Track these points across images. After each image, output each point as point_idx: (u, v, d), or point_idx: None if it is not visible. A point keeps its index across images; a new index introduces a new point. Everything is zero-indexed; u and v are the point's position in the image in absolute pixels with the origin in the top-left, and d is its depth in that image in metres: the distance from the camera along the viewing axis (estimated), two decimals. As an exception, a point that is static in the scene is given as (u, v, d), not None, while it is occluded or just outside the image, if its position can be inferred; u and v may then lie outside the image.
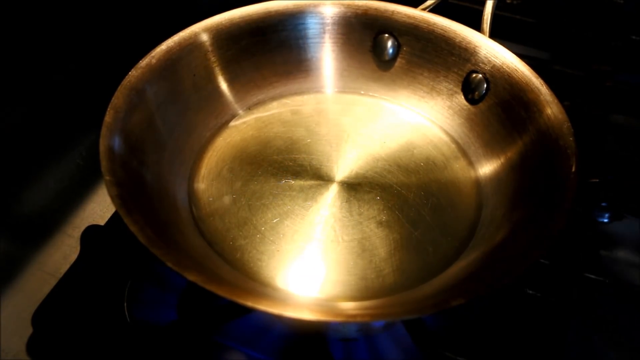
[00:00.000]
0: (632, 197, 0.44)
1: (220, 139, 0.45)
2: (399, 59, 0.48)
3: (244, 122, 0.46)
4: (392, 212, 0.40)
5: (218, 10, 0.45)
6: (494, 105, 0.43)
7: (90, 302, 0.38)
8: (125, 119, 0.37)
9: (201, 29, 0.44)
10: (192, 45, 0.43)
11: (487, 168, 0.42)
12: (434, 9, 0.48)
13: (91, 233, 0.42)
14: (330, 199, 0.40)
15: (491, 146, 0.43)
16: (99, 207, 0.48)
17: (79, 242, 0.41)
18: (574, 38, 0.60)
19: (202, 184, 0.41)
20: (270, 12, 0.47)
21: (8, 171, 0.43)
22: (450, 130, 0.46)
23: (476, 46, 0.44)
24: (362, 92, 0.49)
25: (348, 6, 0.47)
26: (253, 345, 0.37)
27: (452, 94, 0.46)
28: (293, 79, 0.49)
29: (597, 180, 0.44)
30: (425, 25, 0.46)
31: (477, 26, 0.45)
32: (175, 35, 0.42)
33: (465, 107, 0.45)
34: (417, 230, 0.39)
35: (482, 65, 0.44)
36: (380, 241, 0.38)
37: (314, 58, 0.49)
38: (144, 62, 0.40)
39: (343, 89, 0.49)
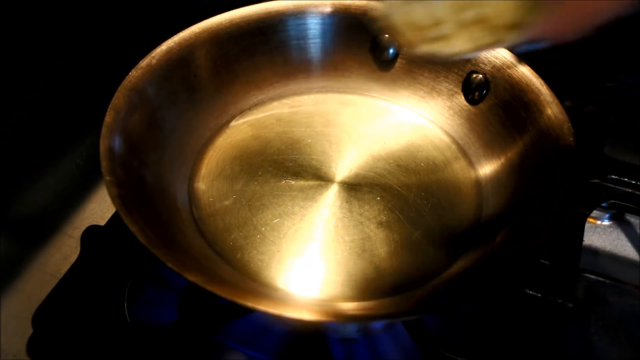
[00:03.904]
0: (632, 197, 0.44)
1: (221, 139, 0.45)
2: (399, 60, 0.48)
3: (245, 123, 0.46)
4: (393, 213, 0.40)
5: (218, 11, 0.45)
6: (494, 106, 0.43)
7: (90, 302, 0.38)
8: (125, 119, 0.37)
9: (201, 29, 0.44)
10: (192, 45, 0.43)
11: (487, 168, 0.42)
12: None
13: (91, 233, 0.42)
14: (330, 199, 0.40)
15: (491, 146, 0.43)
16: (99, 207, 0.48)
17: (79, 242, 0.41)
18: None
19: (202, 184, 0.41)
20: (270, 12, 0.46)
21: (8, 171, 0.43)
22: (450, 130, 0.46)
23: (476, 46, 0.44)
24: (362, 92, 0.49)
25: (348, 6, 0.47)
26: (253, 345, 0.37)
27: (452, 94, 0.46)
28: (293, 79, 0.49)
29: (597, 180, 0.44)
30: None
31: (477, 26, 0.45)
32: (175, 36, 0.42)
33: (465, 108, 0.45)
34: (417, 230, 0.39)
35: (482, 66, 0.44)
36: (380, 241, 0.38)
37: (314, 58, 0.49)
38: (144, 63, 0.40)
39: (343, 89, 0.49)
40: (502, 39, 0.27)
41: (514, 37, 0.26)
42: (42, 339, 0.37)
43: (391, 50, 0.48)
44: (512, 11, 0.27)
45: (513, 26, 0.27)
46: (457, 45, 0.28)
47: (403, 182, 0.42)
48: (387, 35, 0.47)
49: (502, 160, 0.41)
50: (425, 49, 0.29)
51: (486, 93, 0.43)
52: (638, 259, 0.45)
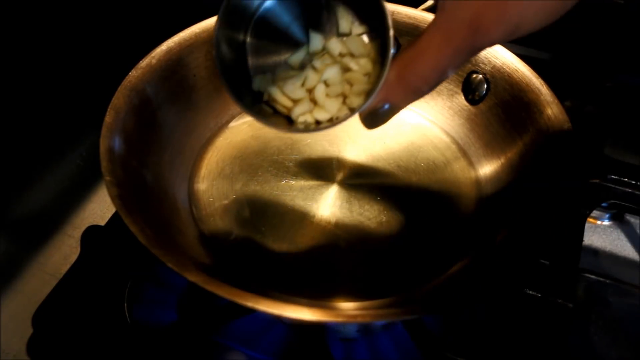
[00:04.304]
0: (632, 197, 0.44)
1: (221, 139, 0.45)
2: (399, 59, 0.48)
3: (244, 122, 0.46)
4: (393, 213, 0.40)
5: (218, 11, 0.45)
6: (494, 106, 0.43)
7: (90, 302, 0.38)
8: (125, 119, 0.37)
9: (201, 29, 0.44)
10: (192, 45, 0.43)
11: (487, 168, 0.42)
12: (434, 9, 0.48)
13: (91, 233, 0.42)
14: (330, 199, 0.40)
15: (491, 146, 0.43)
16: (99, 207, 0.48)
17: (79, 242, 0.41)
18: (574, 38, 0.60)
19: (202, 184, 0.41)
20: (270, 12, 0.46)
21: (8, 171, 0.43)
22: (450, 130, 0.46)
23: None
24: (362, 92, 0.49)
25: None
26: (253, 345, 0.37)
27: (452, 95, 0.46)
28: (293, 79, 0.48)
29: (597, 180, 0.44)
30: (425, 25, 0.45)
31: (477, 26, 0.45)
32: (175, 36, 0.42)
33: (465, 108, 0.45)
34: (418, 230, 0.39)
35: (483, 66, 0.44)
36: (380, 241, 0.38)
37: (314, 58, 0.49)
38: (144, 63, 0.40)
39: (343, 89, 0.49)
40: (355, 105, 0.30)
41: (363, 103, 0.29)
42: (42, 339, 0.37)
43: (392, 51, 0.47)
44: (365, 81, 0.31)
45: (364, 93, 0.30)
46: (327, 112, 0.31)
47: (403, 182, 0.42)
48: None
49: (502, 160, 0.41)
50: (303, 119, 0.31)
51: (486, 93, 0.43)
52: (638, 259, 0.45)
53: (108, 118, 0.36)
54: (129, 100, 0.38)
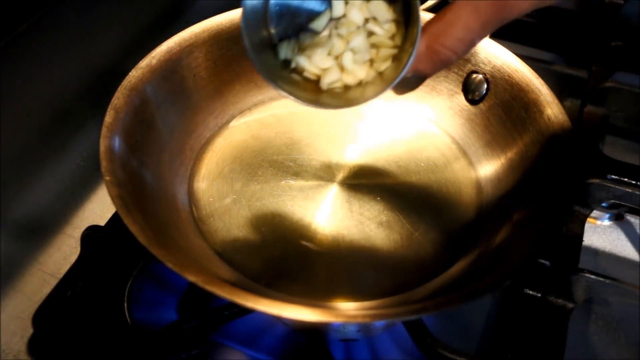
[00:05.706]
0: (632, 197, 0.44)
1: (221, 139, 0.45)
2: (399, 59, 0.48)
3: (244, 123, 0.46)
4: (392, 213, 0.40)
5: (218, 11, 0.45)
6: (495, 106, 0.43)
7: (90, 302, 0.38)
8: (125, 120, 0.37)
9: (201, 29, 0.44)
10: (192, 45, 0.43)
11: (487, 168, 0.42)
12: (434, 9, 0.48)
13: (91, 233, 0.42)
14: (330, 199, 0.40)
15: (491, 146, 0.43)
16: (99, 207, 0.48)
17: (79, 242, 0.41)
18: (574, 38, 0.60)
19: (202, 185, 0.41)
20: (270, 12, 0.46)
21: (8, 171, 0.43)
22: (450, 130, 0.46)
23: (476, 46, 0.44)
24: (362, 92, 0.49)
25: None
26: (253, 345, 0.37)
27: (452, 95, 0.46)
28: (293, 79, 0.48)
29: (597, 180, 0.44)
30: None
31: (477, 26, 0.45)
32: (175, 36, 0.42)
33: (465, 108, 0.45)
34: (417, 230, 0.39)
35: (483, 66, 0.44)
36: (380, 241, 0.38)
37: (314, 58, 0.49)
38: (144, 63, 0.40)
39: (343, 89, 0.49)
40: (382, 69, 0.32)
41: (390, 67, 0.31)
42: (43, 339, 0.37)
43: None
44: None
45: (390, 57, 0.31)
46: (356, 76, 0.32)
47: (403, 182, 0.42)
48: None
49: (502, 160, 0.41)
50: (333, 86, 0.32)
51: (486, 93, 0.43)
52: (638, 259, 0.45)
53: (108, 118, 0.36)
54: (129, 100, 0.38)
